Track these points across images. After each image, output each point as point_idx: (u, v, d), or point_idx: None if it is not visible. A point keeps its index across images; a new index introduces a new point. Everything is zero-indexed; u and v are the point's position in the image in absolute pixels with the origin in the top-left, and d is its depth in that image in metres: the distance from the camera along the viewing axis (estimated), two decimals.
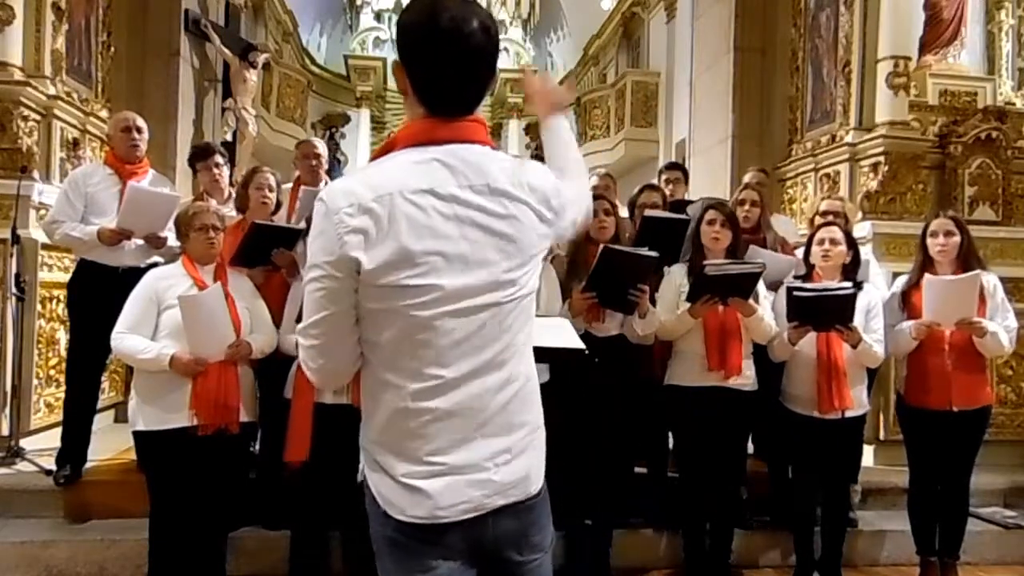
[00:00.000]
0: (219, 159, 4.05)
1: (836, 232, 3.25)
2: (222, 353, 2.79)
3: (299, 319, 2.91)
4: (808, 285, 3.17)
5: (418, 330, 1.25)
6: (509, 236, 1.29)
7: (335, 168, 12.37)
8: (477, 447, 1.29)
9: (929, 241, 3.30)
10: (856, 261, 3.26)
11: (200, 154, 4.13)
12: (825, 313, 3.08)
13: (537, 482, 1.38)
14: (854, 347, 3.12)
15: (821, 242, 3.24)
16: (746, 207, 3.73)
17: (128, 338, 2.76)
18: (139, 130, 3.64)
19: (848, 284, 3.12)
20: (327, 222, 1.24)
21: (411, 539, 1.29)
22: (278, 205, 3.58)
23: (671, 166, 4.93)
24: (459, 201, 1.26)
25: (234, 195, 3.79)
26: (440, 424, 1.28)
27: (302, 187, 3.70)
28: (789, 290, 3.11)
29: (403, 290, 1.23)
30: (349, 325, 1.29)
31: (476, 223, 1.27)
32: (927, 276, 3.19)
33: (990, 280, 3.26)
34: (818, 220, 3.64)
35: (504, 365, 1.32)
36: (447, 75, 1.26)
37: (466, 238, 1.26)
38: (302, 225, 3.39)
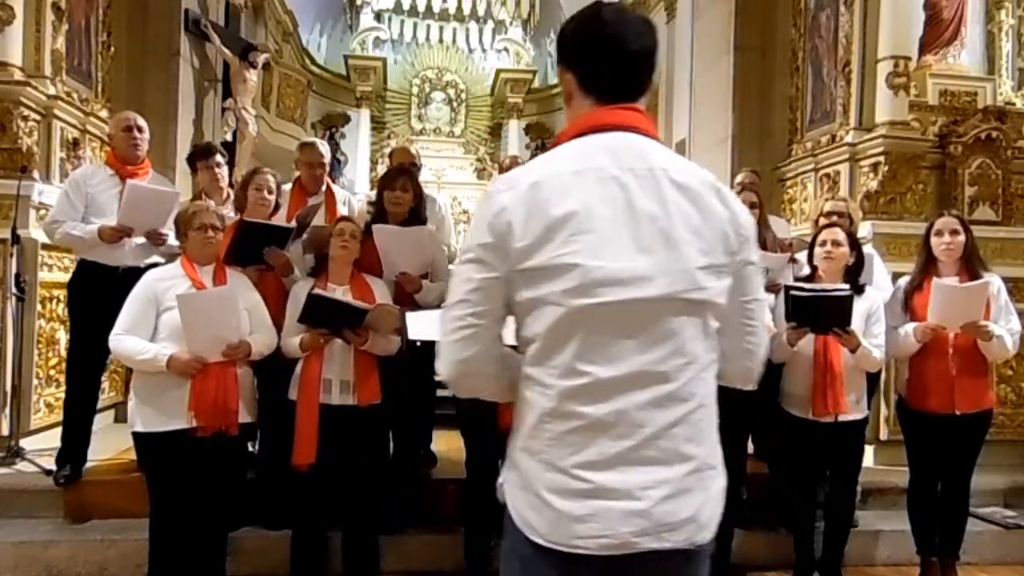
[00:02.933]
0: (219, 159, 4.04)
1: (839, 233, 3.24)
2: (220, 353, 2.78)
3: (303, 320, 2.94)
4: (806, 285, 3.17)
5: (570, 319, 1.17)
6: (675, 223, 1.19)
7: (335, 168, 12.37)
8: (631, 471, 1.16)
9: (934, 240, 3.28)
10: (859, 262, 3.26)
11: (201, 153, 4.11)
12: (823, 314, 3.07)
13: (704, 531, 1.21)
14: (853, 352, 3.11)
15: (823, 243, 3.23)
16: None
17: (126, 339, 2.75)
18: (140, 129, 3.64)
19: (845, 286, 3.11)
20: (485, 206, 1.24)
21: (544, 563, 1.19)
22: (277, 206, 3.58)
23: None
24: (619, 184, 1.19)
25: (232, 196, 3.78)
26: (591, 434, 1.17)
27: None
28: (787, 289, 3.11)
29: (553, 271, 1.16)
30: (500, 313, 1.24)
31: (636, 206, 1.18)
32: (935, 281, 3.17)
33: (995, 283, 3.25)
34: (822, 221, 3.63)
35: (671, 377, 1.18)
36: (609, 66, 1.26)
37: (625, 221, 1.17)
38: (292, 224, 3.39)
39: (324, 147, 4.03)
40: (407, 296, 3.31)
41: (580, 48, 1.29)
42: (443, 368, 1.28)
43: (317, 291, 2.94)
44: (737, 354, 1.34)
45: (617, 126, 1.25)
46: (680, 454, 1.19)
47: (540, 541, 1.19)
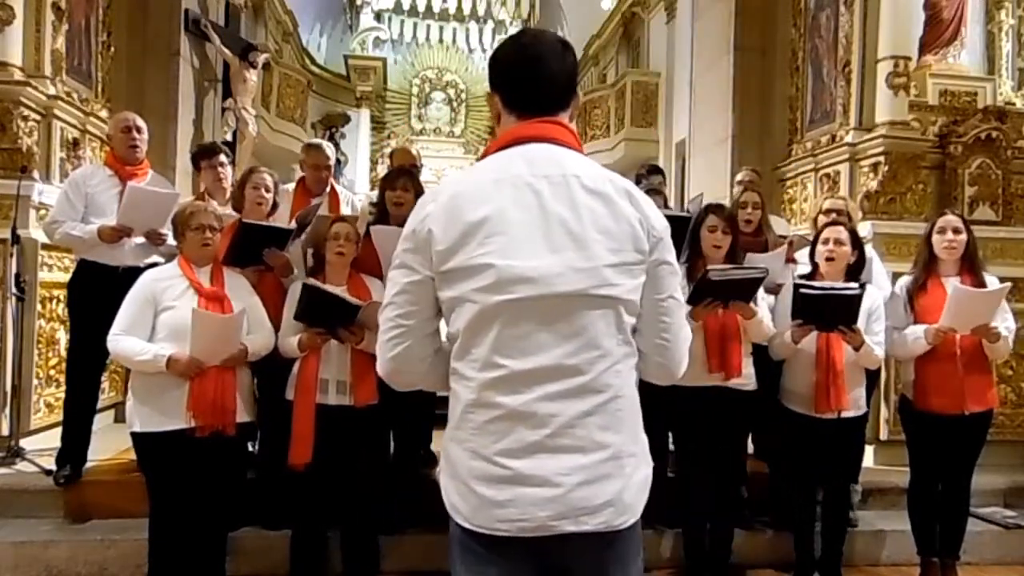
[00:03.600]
0: (223, 159, 4.05)
1: (841, 232, 3.23)
2: (220, 360, 2.78)
3: (299, 316, 2.93)
4: (815, 283, 3.16)
5: (484, 315, 1.26)
6: (585, 224, 1.28)
7: (336, 169, 12.37)
8: (547, 458, 1.24)
9: (936, 238, 3.28)
10: (861, 261, 3.25)
11: (205, 153, 4.11)
12: (830, 312, 3.06)
13: (624, 515, 1.28)
14: (856, 349, 3.11)
15: (826, 242, 3.22)
16: (748, 210, 3.73)
17: (124, 340, 2.75)
18: (139, 130, 3.64)
19: (854, 284, 3.11)
20: (412, 216, 1.35)
21: (475, 545, 1.28)
22: (275, 206, 3.57)
23: (653, 171, 4.85)
24: (533, 189, 1.28)
25: (230, 195, 3.78)
26: (510, 423, 1.25)
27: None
28: (796, 287, 3.10)
29: (470, 271, 1.26)
30: (427, 313, 1.33)
31: (548, 210, 1.27)
32: (955, 285, 3.15)
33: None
34: (822, 219, 3.63)
35: (583, 369, 1.26)
36: (529, 84, 1.37)
37: (536, 223, 1.27)
38: (292, 225, 3.39)
39: (330, 149, 4.05)
40: None
41: (503, 71, 1.40)
42: (378, 366, 1.39)
43: (311, 281, 2.93)
44: (652, 350, 1.40)
45: (536, 138, 1.34)
46: (595, 442, 1.26)
47: (466, 525, 1.28)
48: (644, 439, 1.35)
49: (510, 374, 1.25)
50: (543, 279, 1.24)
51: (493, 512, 1.24)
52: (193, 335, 2.72)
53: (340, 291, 3.04)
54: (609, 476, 1.26)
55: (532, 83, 1.36)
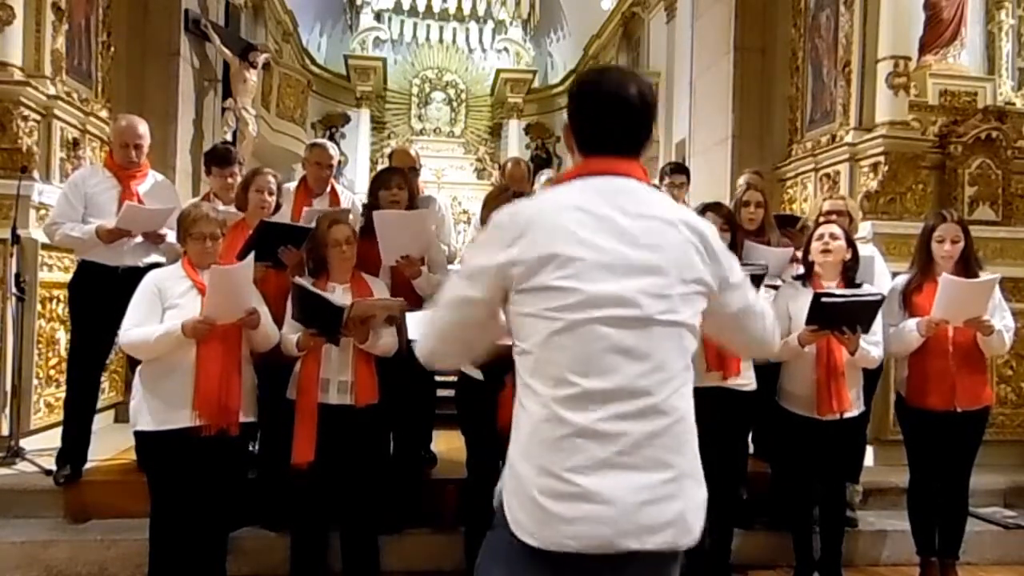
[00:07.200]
0: (236, 169, 4.03)
1: (835, 228, 3.25)
2: (235, 318, 2.79)
3: (295, 317, 2.92)
4: (837, 291, 3.11)
5: (562, 335, 1.29)
6: (658, 253, 1.34)
7: (335, 168, 12.35)
8: (616, 476, 1.26)
9: (935, 246, 3.28)
10: (855, 260, 3.26)
11: (220, 160, 4.04)
12: (849, 318, 3.03)
13: (687, 536, 1.33)
14: (852, 353, 3.10)
15: (820, 237, 3.23)
16: (751, 208, 3.72)
17: (135, 330, 2.77)
18: (138, 147, 3.59)
19: (876, 290, 3.10)
20: (491, 231, 1.41)
21: (531, 559, 1.28)
22: (278, 207, 3.57)
23: (676, 169, 4.70)
24: (608, 219, 1.33)
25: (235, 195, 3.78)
26: (580, 441, 1.26)
27: (304, 208, 3.65)
28: (816, 296, 3.05)
29: (549, 292, 1.30)
30: (481, 324, 1.42)
31: (624, 238, 1.32)
32: (944, 275, 3.16)
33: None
34: (822, 220, 3.63)
35: (651, 391, 1.29)
36: (607, 124, 1.41)
37: (613, 250, 1.31)
38: (312, 224, 3.38)
39: (334, 149, 4.05)
40: (405, 283, 3.31)
41: (586, 111, 1.44)
42: (419, 353, 1.51)
43: (299, 280, 2.94)
44: (744, 348, 1.72)
45: (612, 172, 1.40)
46: (661, 462, 1.29)
47: (530, 541, 1.28)
48: (700, 464, 1.38)
49: (582, 392, 1.27)
50: (619, 302, 1.29)
51: (561, 528, 1.25)
52: (208, 293, 2.74)
53: (343, 290, 3.04)
54: (672, 496, 1.30)
55: (617, 128, 1.41)
